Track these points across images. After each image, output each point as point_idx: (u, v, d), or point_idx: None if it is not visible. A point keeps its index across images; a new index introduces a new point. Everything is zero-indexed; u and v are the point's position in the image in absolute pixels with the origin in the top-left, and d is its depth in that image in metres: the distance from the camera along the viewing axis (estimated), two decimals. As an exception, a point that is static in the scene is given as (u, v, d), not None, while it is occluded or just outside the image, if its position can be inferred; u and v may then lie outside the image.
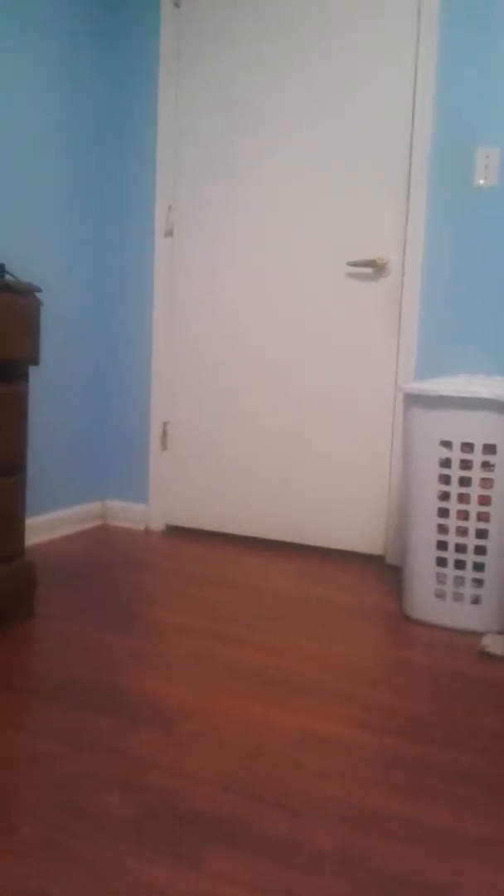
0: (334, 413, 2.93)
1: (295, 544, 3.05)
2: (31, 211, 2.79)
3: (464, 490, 2.16)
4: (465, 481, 2.16)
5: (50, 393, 2.98)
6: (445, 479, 2.18)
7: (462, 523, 2.17)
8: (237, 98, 2.98)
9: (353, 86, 2.80)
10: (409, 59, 2.71)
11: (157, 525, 3.24)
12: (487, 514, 2.15)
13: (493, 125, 2.61)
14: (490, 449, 2.13)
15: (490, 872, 1.19)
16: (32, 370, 2.83)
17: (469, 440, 2.15)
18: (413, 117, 2.71)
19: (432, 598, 2.23)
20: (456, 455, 2.16)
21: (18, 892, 1.10)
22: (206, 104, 3.04)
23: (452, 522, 2.18)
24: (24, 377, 2.08)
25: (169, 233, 3.13)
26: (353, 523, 2.93)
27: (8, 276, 2.37)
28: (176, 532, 3.21)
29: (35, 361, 2.08)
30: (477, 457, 2.14)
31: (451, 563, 2.20)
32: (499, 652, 2.01)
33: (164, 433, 3.21)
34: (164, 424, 3.21)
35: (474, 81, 2.62)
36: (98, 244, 3.16)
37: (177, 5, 3.03)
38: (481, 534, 2.16)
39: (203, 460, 3.16)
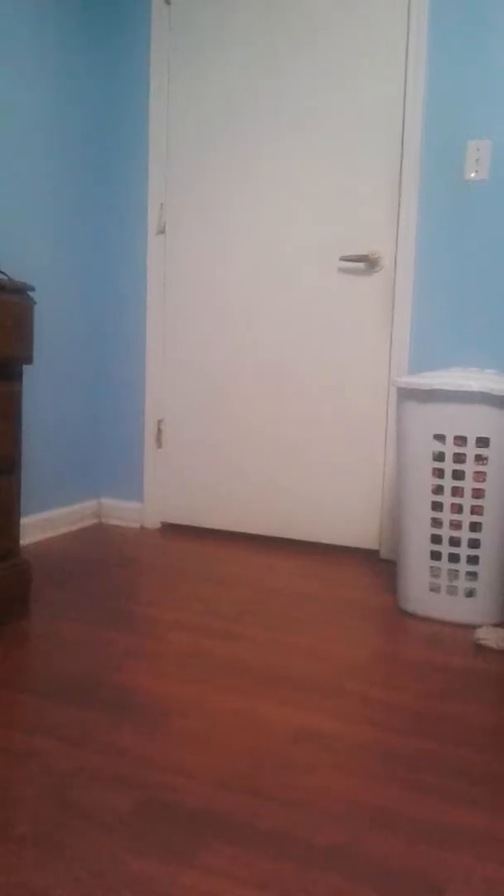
0: (328, 408, 2.93)
1: (290, 540, 3.06)
2: (22, 210, 2.79)
3: (457, 483, 2.17)
4: (458, 475, 2.17)
5: (44, 392, 2.98)
6: (439, 473, 2.19)
7: (456, 517, 2.18)
8: (228, 95, 2.98)
9: (344, 80, 2.80)
10: (399, 53, 2.71)
11: (153, 523, 3.25)
12: (481, 507, 2.16)
13: (483, 118, 2.61)
14: (483, 442, 2.14)
15: (485, 866, 1.20)
16: (26, 369, 2.83)
17: (462, 433, 2.15)
18: (404, 111, 2.72)
19: (427, 592, 2.24)
20: (449, 448, 2.17)
21: (14, 889, 1.11)
22: (197, 101, 3.04)
23: (446, 516, 2.19)
24: (17, 377, 2.08)
25: (161, 230, 3.13)
26: (347, 518, 2.94)
27: (0, 276, 2.37)
28: (172, 530, 3.21)
29: (28, 361, 2.08)
30: (470, 450, 2.15)
31: (445, 557, 2.20)
32: (493, 644, 2.02)
33: (159, 431, 3.21)
34: (159, 422, 3.21)
35: (464, 74, 2.62)
36: (90, 242, 3.16)
37: (167, 2, 3.03)
38: (475, 527, 2.17)
39: (198, 458, 3.16)
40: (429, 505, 2.21)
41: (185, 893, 1.10)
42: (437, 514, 2.20)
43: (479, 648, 2.04)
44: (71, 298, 3.08)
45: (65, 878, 1.13)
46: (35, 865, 1.15)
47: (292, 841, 1.23)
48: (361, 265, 2.84)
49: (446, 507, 2.19)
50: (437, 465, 2.19)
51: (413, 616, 2.27)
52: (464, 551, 2.18)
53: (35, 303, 2.11)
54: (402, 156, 2.73)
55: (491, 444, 2.13)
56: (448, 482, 2.18)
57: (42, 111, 2.84)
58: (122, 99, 3.14)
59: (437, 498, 2.20)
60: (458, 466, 2.16)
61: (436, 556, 2.22)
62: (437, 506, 2.20)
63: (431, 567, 2.23)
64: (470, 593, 2.19)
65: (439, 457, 2.18)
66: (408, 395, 2.22)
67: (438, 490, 2.20)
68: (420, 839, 1.25)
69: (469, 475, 2.16)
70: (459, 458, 2.16)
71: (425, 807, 1.34)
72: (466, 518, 2.17)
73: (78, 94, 3.01)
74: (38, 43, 2.78)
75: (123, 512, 3.29)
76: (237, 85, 2.97)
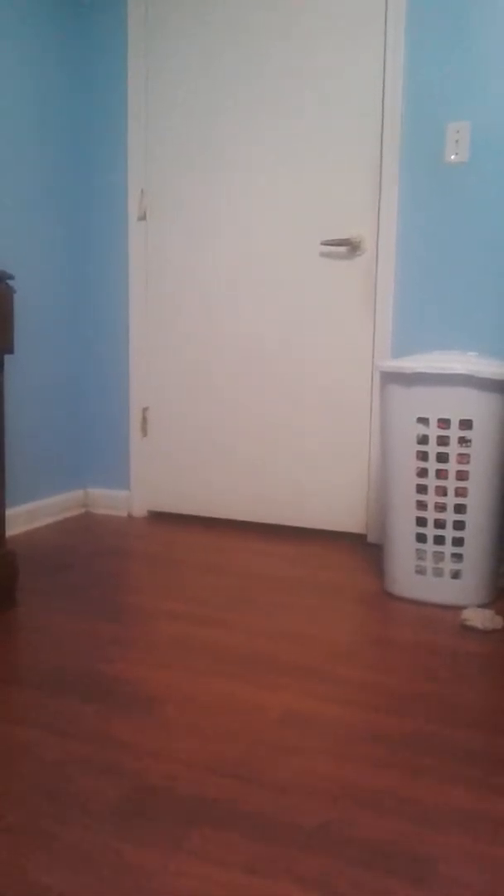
0: (313, 393, 2.93)
1: (277, 526, 3.06)
2: (1, 198, 2.76)
3: (441, 466, 2.18)
4: (442, 457, 2.17)
5: (27, 382, 2.96)
6: (423, 456, 2.19)
7: (440, 499, 2.19)
8: (207, 80, 2.96)
9: (324, 64, 2.78)
10: (377, 35, 2.70)
11: (140, 511, 3.24)
12: (465, 489, 2.17)
13: (462, 99, 2.60)
14: (466, 424, 2.14)
15: (475, 843, 1.21)
16: (7, 359, 2.81)
17: (445, 416, 2.16)
18: (383, 93, 2.70)
19: (413, 575, 2.25)
20: (433, 431, 2.17)
21: (4, 879, 1.11)
22: (176, 87, 3.01)
23: (431, 499, 2.20)
24: (-3, 366, 2.07)
25: (142, 217, 3.11)
26: (334, 503, 2.94)
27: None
28: (159, 518, 3.21)
29: (9, 350, 2.07)
30: (454, 432, 2.15)
31: (430, 539, 2.21)
32: (478, 625, 2.04)
33: (144, 419, 3.21)
34: (144, 410, 3.20)
35: (443, 55, 2.60)
36: (71, 230, 3.13)
37: (142, -15, 2.99)
38: (459, 509, 2.18)
39: (183, 445, 3.16)
40: (414, 488, 2.22)
41: (175, 879, 1.11)
42: (422, 497, 2.21)
43: (466, 629, 2.06)
44: (52, 287, 3.06)
45: (55, 866, 1.13)
46: (25, 855, 1.16)
47: (281, 823, 1.24)
48: (343, 249, 2.83)
49: (431, 490, 2.20)
50: (421, 448, 2.19)
51: (400, 599, 2.28)
52: (449, 533, 2.19)
53: (15, 291, 2.09)
54: (381, 139, 2.72)
55: (474, 426, 2.14)
56: (432, 465, 2.18)
57: (19, 98, 2.80)
58: (100, 86, 3.11)
59: (422, 481, 2.20)
60: (441, 449, 2.17)
61: (421, 538, 2.23)
62: (421, 489, 2.21)
63: (417, 549, 2.24)
64: (455, 575, 2.21)
65: (423, 440, 2.19)
66: (391, 378, 2.23)
67: (423, 473, 2.20)
68: (409, 819, 1.26)
69: (453, 458, 2.16)
70: (443, 440, 2.17)
71: (414, 787, 1.35)
72: (451, 500, 2.18)
73: (56, 82, 2.97)
74: (13, 30, 2.74)
75: (110, 501, 3.28)
76: (216, 70, 2.94)
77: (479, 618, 2.06)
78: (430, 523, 2.21)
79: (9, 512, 2.83)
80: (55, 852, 1.16)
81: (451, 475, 2.17)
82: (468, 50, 2.58)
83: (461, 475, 2.17)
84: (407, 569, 2.26)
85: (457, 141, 2.62)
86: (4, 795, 1.30)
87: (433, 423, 2.17)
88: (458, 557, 2.20)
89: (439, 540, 2.21)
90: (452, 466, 2.17)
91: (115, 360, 3.22)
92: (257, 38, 2.86)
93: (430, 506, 2.20)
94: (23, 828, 1.22)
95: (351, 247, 2.81)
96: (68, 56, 3.04)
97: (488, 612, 2.08)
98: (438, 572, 2.22)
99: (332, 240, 2.82)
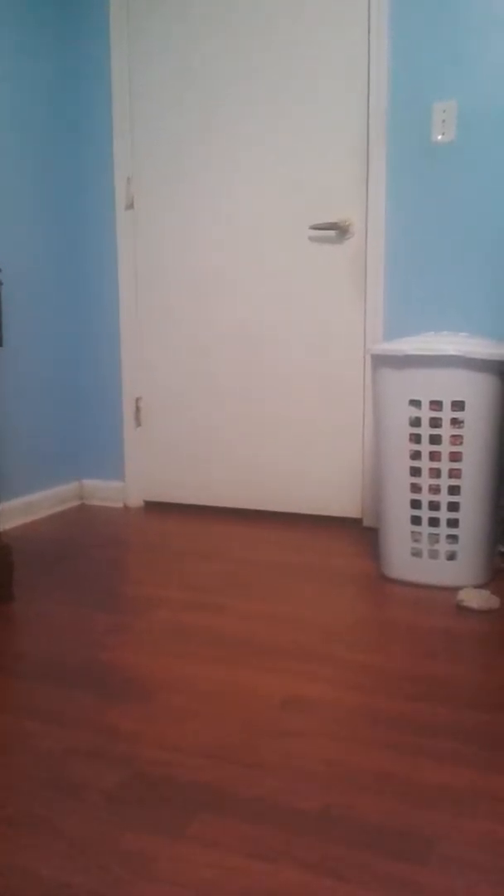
0: (307, 378, 2.92)
1: (273, 513, 3.06)
2: (-15, 190, 2.74)
3: (434, 448, 2.17)
4: (435, 439, 2.17)
5: (18, 375, 2.95)
6: (416, 438, 2.19)
7: (434, 481, 2.19)
8: (193, 65, 2.93)
9: (308, 46, 2.76)
10: (362, 15, 2.67)
11: (136, 502, 3.24)
12: (459, 470, 2.16)
13: (447, 78, 2.58)
14: (458, 405, 2.14)
15: (474, 822, 1.21)
16: (-2, 352, 2.80)
17: (437, 398, 2.15)
18: (369, 74, 2.68)
19: (408, 557, 2.25)
20: (425, 413, 2.17)
21: (5, 868, 1.11)
22: (160, 72, 2.98)
23: (425, 481, 2.20)
24: (-13, 359, 2.06)
25: (130, 205, 3.09)
26: (329, 488, 2.94)
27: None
28: (154, 508, 3.21)
29: (-3, 343, 2.06)
30: (446, 414, 2.15)
31: (425, 521, 2.21)
32: (475, 606, 2.04)
33: (137, 409, 3.20)
34: (137, 400, 3.19)
35: (428, 34, 2.58)
36: (58, 220, 3.11)
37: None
38: (454, 490, 2.17)
39: (177, 434, 3.15)
40: (407, 471, 2.21)
41: (175, 865, 1.11)
42: (416, 480, 2.21)
43: (462, 610, 2.06)
44: (40, 278, 3.04)
45: (55, 855, 1.14)
46: (24, 845, 1.16)
47: (281, 807, 1.24)
48: (332, 233, 2.82)
49: (425, 472, 2.19)
50: (414, 430, 2.19)
51: (396, 581, 2.28)
52: (444, 515, 2.19)
53: (1, 283, 2.08)
54: (368, 121, 2.70)
55: (466, 407, 2.13)
56: (425, 447, 2.18)
57: (2, 86, 2.77)
58: (85, 73, 3.08)
59: (416, 463, 2.20)
60: (434, 431, 2.16)
61: (416, 521, 2.23)
62: (415, 471, 2.21)
63: (412, 532, 2.24)
64: (451, 556, 2.21)
65: (416, 422, 2.18)
66: (382, 361, 2.22)
67: (416, 455, 2.20)
68: (409, 799, 1.26)
69: (446, 439, 2.16)
70: (436, 422, 2.16)
71: (413, 767, 1.35)
72: (445, 482, 2.18)
73: (38, 71, 2.94)
74: (-8, 17, 2.72)
75: (105, 492, 3.28)
76: (201, 56, 2.91)
77: (475, 598, 2.06)
78: (425, 505, 2.21)
79: (4, 506, 2.82)
80: (54, 841, 1.17)
81: (445, 457, 2.17)
82: (453, 28, 2.55)
83: (454, 456, 2.16)
84: (403, 551, 2.26)
85: (443, 121, 2.60)
86: (3, 785, 1.30)
87: (425, 405, 2.16)
88: (453, 539, 2.20)
89: (434, 522, 2.21)
90: (446, 448, 2.16)
91: (107, 350, 3.21)
92: (243, 20, 2.83)
93: (425, 488, 2.20)
94: (21, 817, 1.22)
95: (340, 230, 2.80)
96: (51, 41, 3.00)
97: (484, 593, 2.09)
98: (434, 554, 2.22)
99: (321, 224, 2.80)
